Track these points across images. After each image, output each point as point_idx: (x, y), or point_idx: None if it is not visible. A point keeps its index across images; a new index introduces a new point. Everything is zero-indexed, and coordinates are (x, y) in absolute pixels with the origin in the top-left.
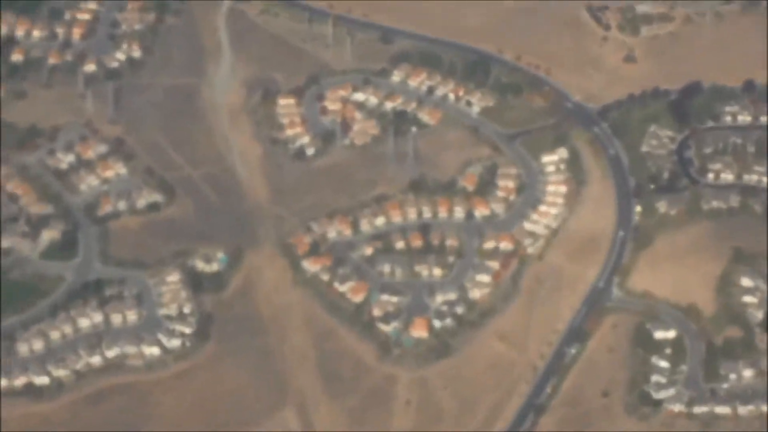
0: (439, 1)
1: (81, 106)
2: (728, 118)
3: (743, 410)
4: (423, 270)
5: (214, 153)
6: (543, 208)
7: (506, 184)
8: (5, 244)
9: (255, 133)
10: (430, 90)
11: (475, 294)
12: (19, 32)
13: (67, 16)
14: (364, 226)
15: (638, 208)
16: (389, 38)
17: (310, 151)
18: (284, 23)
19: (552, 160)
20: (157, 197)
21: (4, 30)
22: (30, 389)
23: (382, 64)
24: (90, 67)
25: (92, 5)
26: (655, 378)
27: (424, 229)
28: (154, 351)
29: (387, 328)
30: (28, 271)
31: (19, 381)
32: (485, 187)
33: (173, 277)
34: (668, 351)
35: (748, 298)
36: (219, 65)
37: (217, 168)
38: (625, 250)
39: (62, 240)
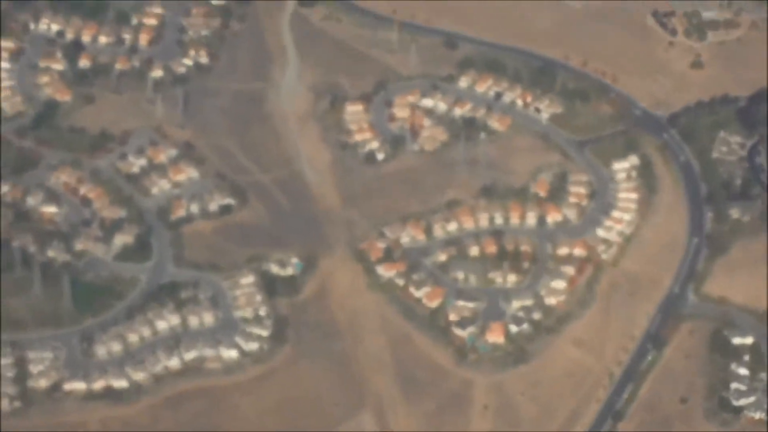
0: (503, 5)
1: (150, 111)
2: None
3: None
4: (497, 276)
5: (284, 157)
6: (616, 214)
7: (578, 191)
8: (79, 247)
9: (324, 138)
10: (498, 96)
11: (551, 300)
12: (86, 37)
13: (134, 21)
14: (437, 231)
15: (710, 215)
16: (454, 43)
17: (380, 156)
18: (348, 28)
19: (623, 167)
20: (229, 201)
21: (72, 35)
22: (109, 392)
23: (447, 69)
24: (158, 73)
25: (158, 10)
26: (734, 385)
27: (497, 235)
28: (232, 354)
29: (463, 334)
30: (102, 273)
31: (98, 384)
32: (557, 193)
33: (247, 280)
34: (746, 358)
35: None
36: (284, 70)
37: (287, 172)
38: (699, 257)
39: (135, 243)
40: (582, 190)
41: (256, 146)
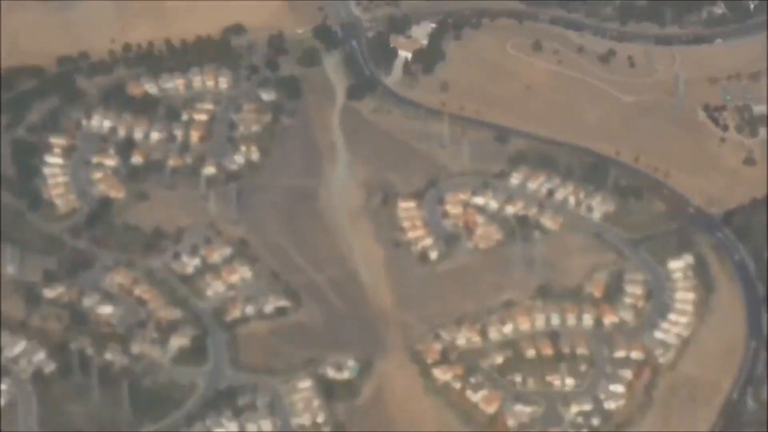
0: (553, 99)
1: (203, 208)
2: None
3: None
4: (555, 379)
5: (336, 255)
6: (673, 316)
7: (634, 291)
8: (136, 350)
9: (376, 236)
10: (550, 193)
11: (610, 405)
12: (138, 134)
13: (185, 117)
14: (493, 333)
15: None
16: (504, 138)
17: (433, 255)
18: (397, 121)
19: (678, 266)
20: (284, 302)
21: (123, 132)
22: None
23: (498, 164)
24: (210, 170)
25: (209, 106)
26: None
27: (554, 336)
28: None
29: None
30: (160, 378)
31: None
32: (612, 293)
33: (305, 384)
34: None
35: None
36: (335, 166)
37: (341, 271)
38: (758, 360)
39: (192, 346)
40: (638, 290)
41: (309, 243)
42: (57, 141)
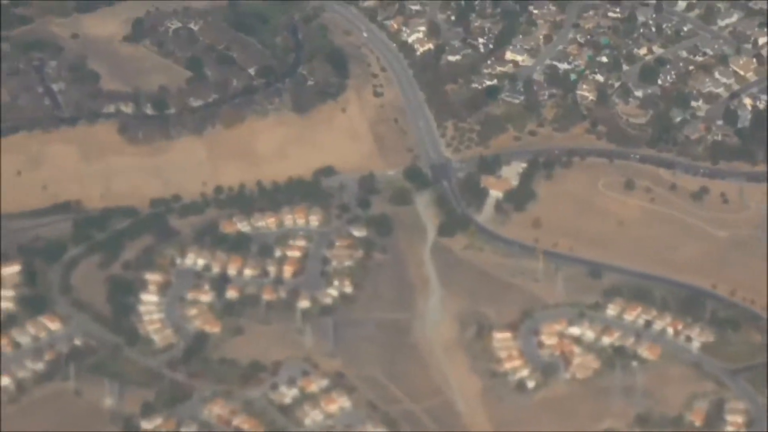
0: (646, 235)
1: (299, 341)
2: None
3: None
4: None
5: (432, 386)
6: None
7: (735, 419)
8: None
9: (472, 367)
10: (647, 324)
11: None
12: (232, 270)
13: (278, 253)
14: None
15: None
16: (598, 272)
17: (531, 384)
18: (490, 257)
19: None
20: (383, 430)
21: (217, 268)
22: None
23: (593, 297)
24: (304, 303)
25: (301, 242)
26: None
27: None
28: None
29: None
30: None
31: None
32: (713, 422)
33: None
34: None
35: None
36: (428, 300)
37: (437, 401)
38: None
39: None
40: (739, 419)
41: (405, 375)
42: (152, 278)
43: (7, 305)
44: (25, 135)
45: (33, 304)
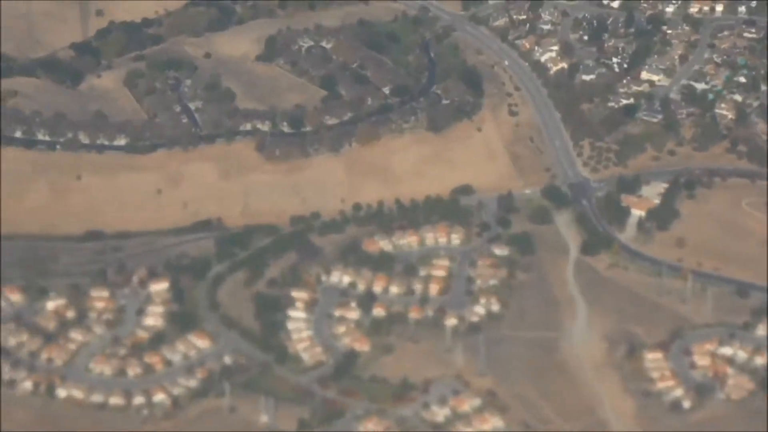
0: None
1: (449, 359)
2: None
3: None
4: None
5: (584, 406)
6: None
7: None
8: None
9: (624, 387)
10: None
11: None
12: (377, 288)
13: (422, 272)
14: None
15: None
16: (745, 292)
17: (686, 405)
18: (635, 277)
19: None
20: None
21: (363, 286)
22: None
23: (741, 317)
24: (452, 322)
25: (445, 262)
26: None
27: None
28: None
29: None
30: None
31: None
32: None
33: None
34: None
35: None
36: (574, 319)
37: (590, 421)
38: None
39: None
40: None
41: (556, 394)
42: (299, 295)
43: (157, 322)
44: (165, 153)
45: (182, 321)
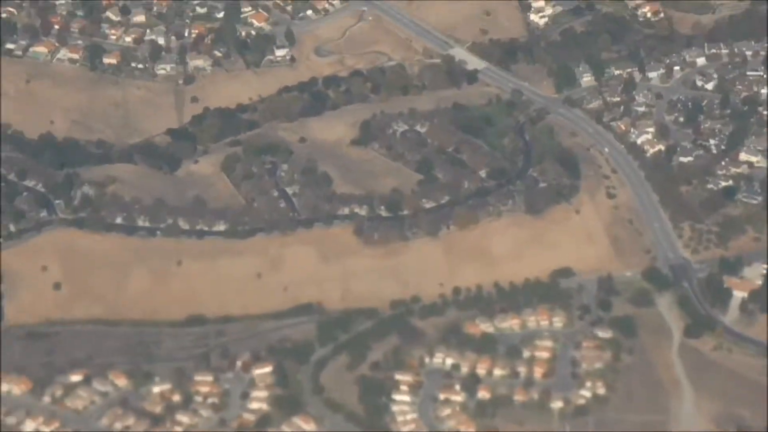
0: None
1: None
2: None
3: None
4: None
5: None
6: None
7: None
8: None
9: None
10: None
11: None
12: (481, 370)
13: (526, 354)
14: None
15: None
16: None
17: None
18: (739, 359)
19: None
20: None
21: (466, 369)
22: None
23: None
24: (557, 404)
25: (548, 343)
26: None
27: None
28: None
29: None
30: None
31: None
32: None
33: None
34: None
35: None
36: (681, 402)
37: None
38: None
39: None
40: None
41: None
42: (403, 378)
43: (261, 405)
44: (264, 238)
45: (286, 404)
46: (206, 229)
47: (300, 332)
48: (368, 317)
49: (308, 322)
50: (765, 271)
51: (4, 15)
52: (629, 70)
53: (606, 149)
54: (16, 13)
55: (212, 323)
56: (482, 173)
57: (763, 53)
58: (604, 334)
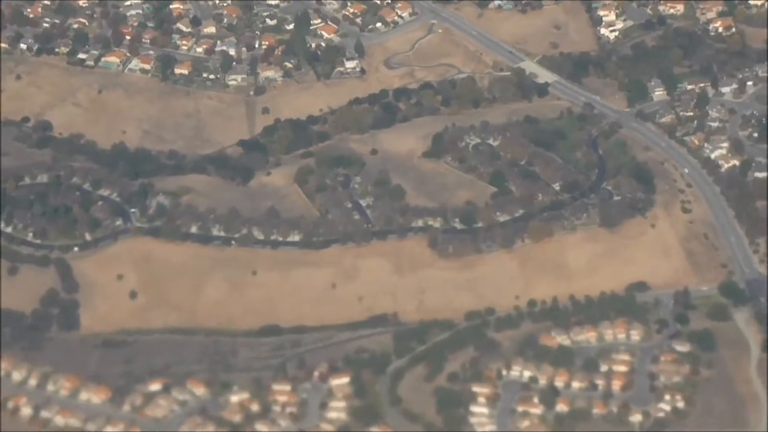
0: None
1: None
2: None
3: None
4: None
5: None
6: None
7: None
8: None
9: None
10: None
11: None
12: (558, 383)
13: (604, 368)
14: None
15: None
16: None
17: None
18: None
19: None
20: None
21: (544, 381)
22: None
23: None
24: (636, 418)
25: (625, 356)
26: None
27: None
28: None
29: None
30: None
31: None
32: None
33: None
34: None
35: None
36: (761, 416)
37: None
38: None
39: None
40: None
41: None
42: (480, 390)
43: (340, 415)
44: (338, 249)
45: (364, 415)
46: (280, 239)
47: (376, 343)
48: (444, 329)
49: (384, 333)
50: None
51: (75, 26)
52: (702, 84)
53: (686, 170)
54: (87, 23)
55: (287, 333)
56: (556, 186)
57: None
58: (682, 347)
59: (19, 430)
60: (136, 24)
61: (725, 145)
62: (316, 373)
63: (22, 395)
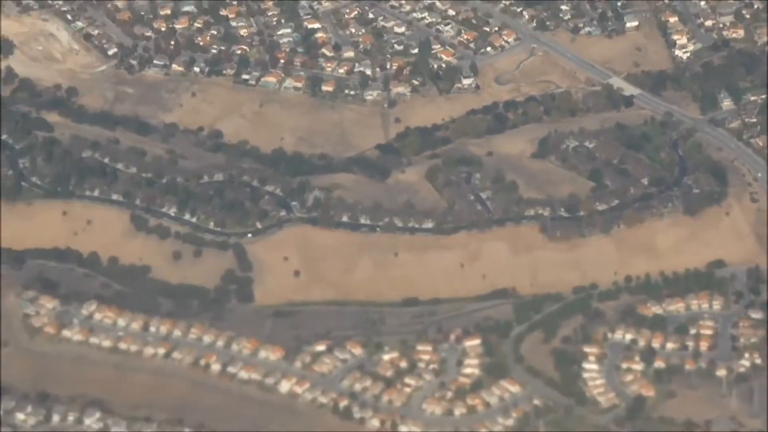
0: None
1: (724, 404)
2: None
3: None
4: None
5: None
6: None
7: None
8: None
9: None
10: None
11: None
12: (655, 344)
13: (692, 331)
14: None
15: None
16: None
17: None
18: None
19: None
20: None
21: (643, 343)
22: None
23: None
24: (722, 372)
25: (710, 322)
26: None
27: None
28: None
29: None
30: None
31: None
32: None
33: None
34: None
35: None
36: None
37: None
38: None
39: None
40: None
41: None
42: (590, 350)
43: (474, 371)
44: (465, 234)
45: (494, 370)
46: (417, 226)
47: (499, 312)
48: (555, 301)
49: (505, 305)
50: None
51: (239, 51)
52: (762, 96)
53: (759, 174)
54: (248, 49)
55: (425, 304)
56: (644, 181)
57: None
58: (756, 315)
59: (211, 383)
60: (288, 50)
61: None
62: (452, 336)
63: (212, 354)
